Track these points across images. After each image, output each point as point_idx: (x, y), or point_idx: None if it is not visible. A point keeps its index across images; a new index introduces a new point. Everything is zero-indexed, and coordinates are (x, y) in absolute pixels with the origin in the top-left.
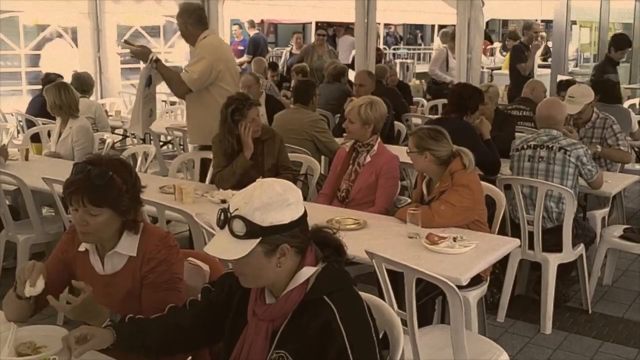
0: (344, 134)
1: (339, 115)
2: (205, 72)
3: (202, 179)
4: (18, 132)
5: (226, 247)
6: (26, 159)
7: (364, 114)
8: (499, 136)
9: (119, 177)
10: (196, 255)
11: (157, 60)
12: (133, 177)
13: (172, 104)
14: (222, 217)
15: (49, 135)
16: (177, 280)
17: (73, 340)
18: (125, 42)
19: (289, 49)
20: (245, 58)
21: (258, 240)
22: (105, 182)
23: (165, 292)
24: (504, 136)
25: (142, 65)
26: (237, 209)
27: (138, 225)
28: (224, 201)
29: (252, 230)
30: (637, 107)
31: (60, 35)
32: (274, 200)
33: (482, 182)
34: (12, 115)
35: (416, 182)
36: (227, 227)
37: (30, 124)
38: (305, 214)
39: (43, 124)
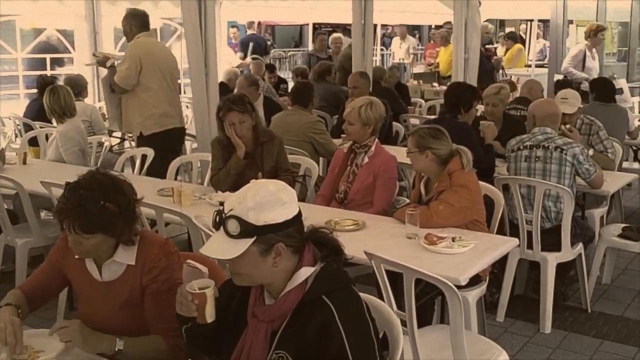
0: (342, 135)
1: (336, 116)
2: (132, 69)
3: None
4: (16, 136)
5: (221, 247)
6: (24, 162)
7: (364, 115)
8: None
9: (112, 203)
10: (195, 257)
11: (112, 66)
12: (127, 196)
13: None
14: (217, 218)
15: (46, 138)
16: (179, 286)
17: None
18: (94, 54)
19: (310, 49)
20: (239, 60)
21: (253, 239)
22: (97, 210)
23: (168, 300)
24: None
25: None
26: (231, 210)
27: (134, 239)
28: (222, 204)
29: (247, 229)
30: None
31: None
32: (268, 200)
33: (480, 182)
34: (10, 119)
35: (414, 182)
36: (222, 227)
37: (27, 127)
38: (299, 214)
39: (41, 127)
